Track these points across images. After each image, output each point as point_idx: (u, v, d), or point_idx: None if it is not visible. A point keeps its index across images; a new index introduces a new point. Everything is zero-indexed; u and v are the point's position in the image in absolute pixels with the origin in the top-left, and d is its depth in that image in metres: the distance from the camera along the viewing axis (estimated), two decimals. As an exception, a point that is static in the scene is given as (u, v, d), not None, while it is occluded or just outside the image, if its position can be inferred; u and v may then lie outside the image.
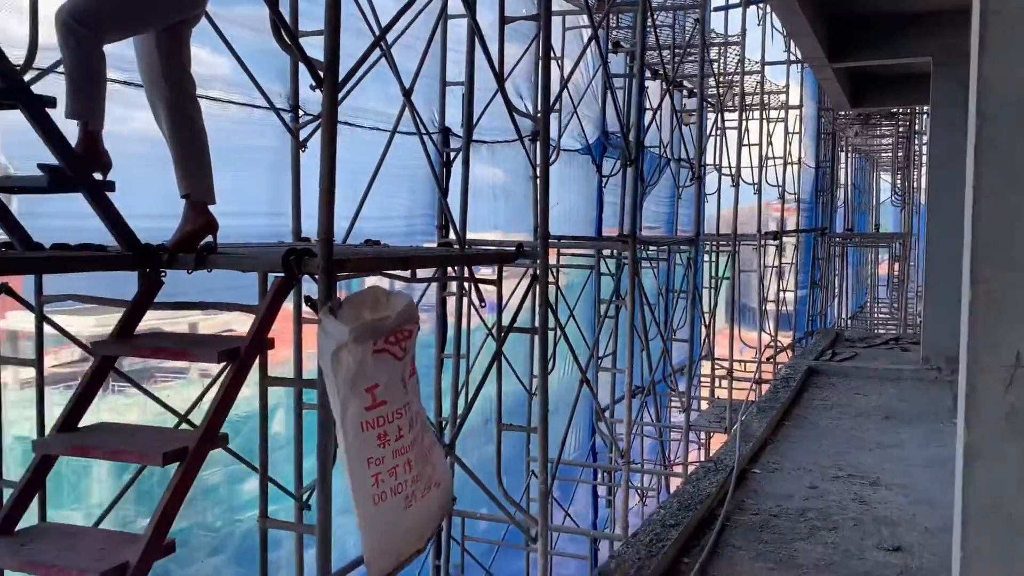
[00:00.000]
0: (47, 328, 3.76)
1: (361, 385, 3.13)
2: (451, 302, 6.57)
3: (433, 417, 6.41)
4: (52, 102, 3.11)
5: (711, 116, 13.26)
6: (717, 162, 13.06)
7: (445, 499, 3.70)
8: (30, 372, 4.71)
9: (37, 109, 2.99)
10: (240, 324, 6.63)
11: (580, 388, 6.66)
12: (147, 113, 4.38)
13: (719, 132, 13.35)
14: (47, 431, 3.44)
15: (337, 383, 3.07)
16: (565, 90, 7.34)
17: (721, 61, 12.34)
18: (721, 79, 12.54)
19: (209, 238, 3.64)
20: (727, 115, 13.65)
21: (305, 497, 5.04)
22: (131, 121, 4.66)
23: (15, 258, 3.30)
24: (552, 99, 5.58)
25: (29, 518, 3.13)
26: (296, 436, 5.23)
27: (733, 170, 11.91)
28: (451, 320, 6.58)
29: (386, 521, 3.23)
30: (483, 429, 7.58)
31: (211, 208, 3.68)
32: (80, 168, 3.12)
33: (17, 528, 2.99)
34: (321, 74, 3.27)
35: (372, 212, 5.75)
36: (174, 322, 4.80)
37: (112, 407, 5.37)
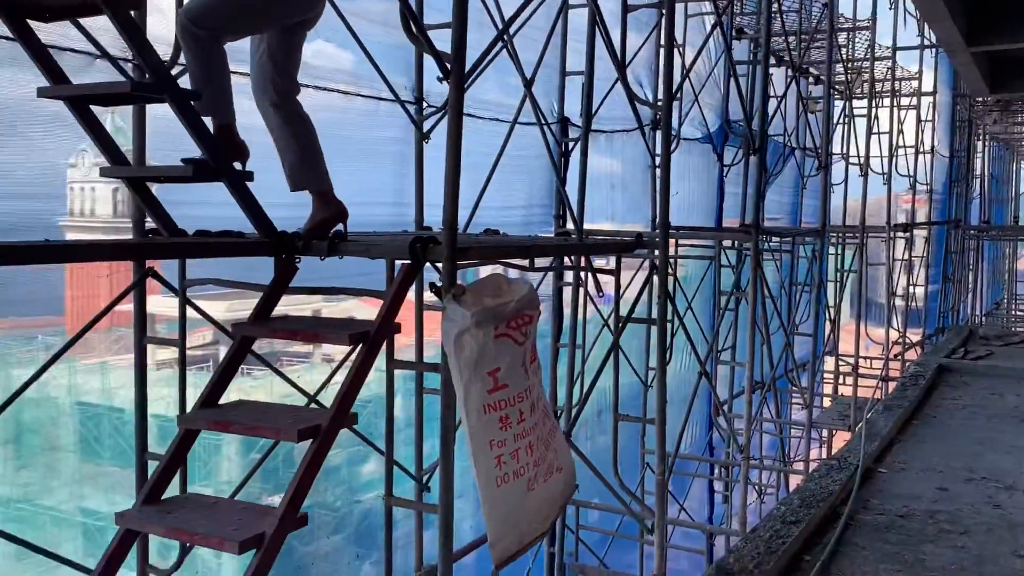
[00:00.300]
0: (168, 312, 3.98)
1: (483, 369, 3.19)
2: (567, 292, 6.60)
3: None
4: (197, 95, 3.30)
5: (838, 104, 12.80)
6: (844, 151, 12.61)
7: (567, 484, 3.73)
8: (163, 354, 5.02)
9: (183, 103, 3.18)
10: (359, 312, 6.84)
11: (699, 381, 6.58)
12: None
13: (847, 120, 12.89)
14: (188, 407, 3.66)
15: (460, 367, 3.15)
16: (686, 78, 7.24)
17: (850, 47, 11.90)
18: (850, 65, 12.10)
19: (339, 226, 3.78)
20: (855, 102, 13.16)
21: (425, 479, 5.17)
22: (259, 115, 4.87)
23: (163, 243, 3.53)
24: (674, 87, 5.52)
25: (171, 489, 3.34)
26: (417, 419, 5.36)
27: (861, 159, 11.48)
28: (566, 311, 6.61)
29: (508, 503, 3.29)
30: (595, 421, 7.59)
31: (343, 199, 3.82)
32: (221, 158, 3.30)
33: (162, 497, 3.19)
34: (448, 66, 3.34)
35: (491, 202, 5.84)
36: (299, 309, 5.01)
37: (240, 388, 5.65)
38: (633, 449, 7.93)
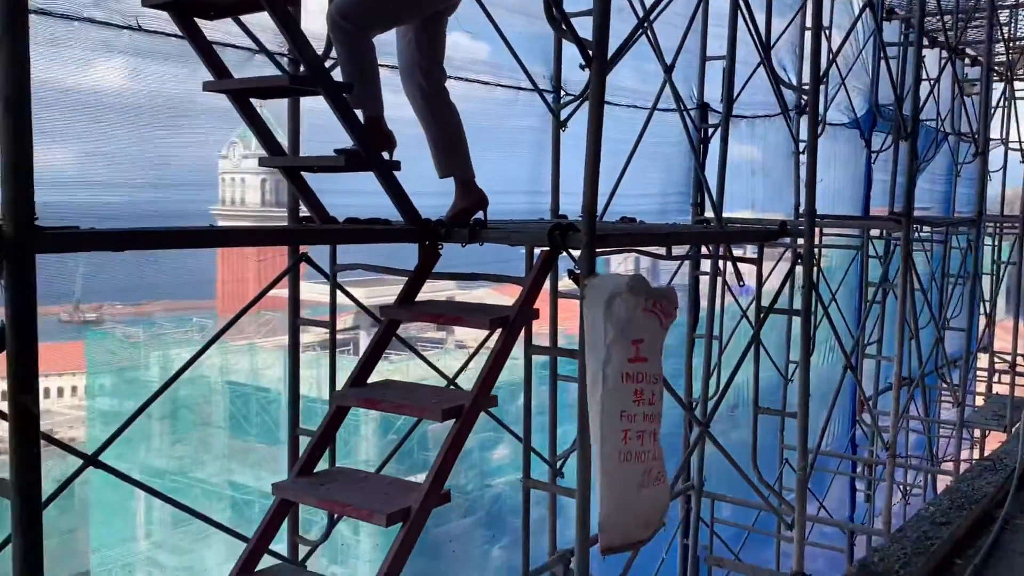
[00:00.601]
0: (312, 296, 4.15)
1: (629, 336, 3.16)
2: (703, 282, 6.50)
3: (684, 397, 6.38)
4: (349, 87, 3.42)
5: (997, 86, 12.02)
6: (1004, 136, 11.85)
7: (667, 501, 3.61)
8: (306, 338, 5.22)
9: (336, 95, 3.31)
10: (491, 299, 6.92)
11: (843, 376, 6.35)
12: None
13: (1007, 103, 12.10)
14: (338, 386, 3.82)
15: (606, 327, 3.11)
16: (834, 62, 6.98)
17: (1012, 24, 11.15)
18: (1011, 45, 11.34)
19: (480, 214, 3.85)
20: (1016, 84, 12.33)
21: (558, 464, 5.21)
22: (404, 107, 5.01)
23: (316, 230, 3.69)
24: (821, 70, 5.33)
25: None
26: (551, 405, 5.40)
27: (1022, 144, 10.76)
28: (702, 302, 6.51)
29: (625, 486, 3.22)
30: (727, 416, 7.44)
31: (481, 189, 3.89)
32: (371, 149, 3.42)
33: (315, 470, 3.36)
34: (590, 53, 3.35)
35: (627, 190, 5.80)
36: (434, 295, 5.14)
37: (378, 371, 5.85)
38: (770, 444, 7.73)
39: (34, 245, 2.00)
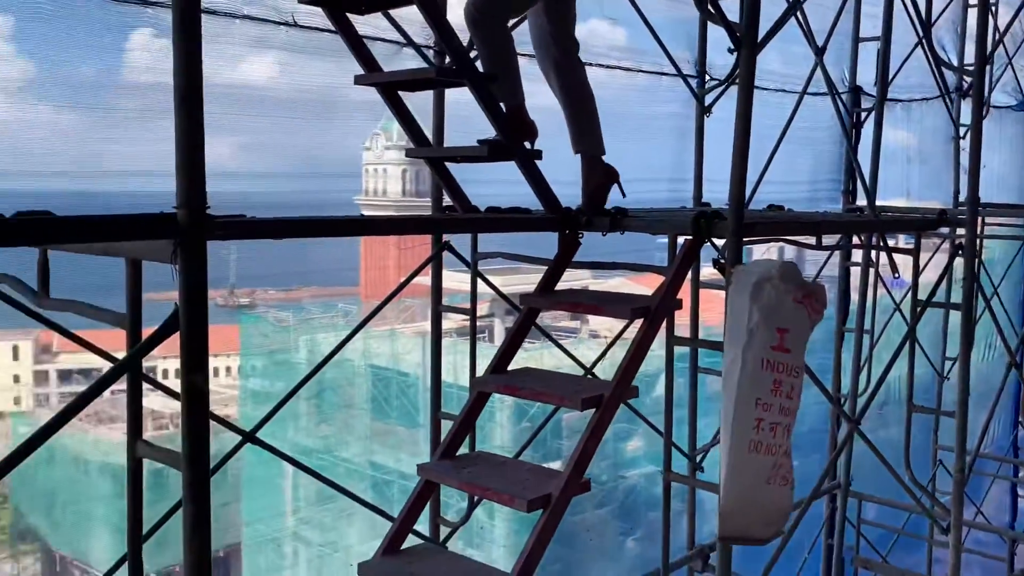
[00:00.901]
0: (449, 284, 4.21)
1: (774, 322, 3.06)
2: (854, 273, 6.24)
3: (832, 392, 6.15)
4: (493, 78, 3.46)
5: None
6: None
7: (789, 505, 3.46)
8: (443, 324, 5.30)
9: (481, 86, 3.35)
10: (627, 289, 6.84)
11: (1006, 374, 5.96)
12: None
13: None
14: (478, 372, 3.88)
15: (751, 312, 3.02)
16: (1001, 41, 6.53)
17: None
18: None
19: (615, 188, 3.80)
20: None
21: (699, 458, 5.12)
22: (544, 95, 5.02)
23: (459, 219, 3.76)
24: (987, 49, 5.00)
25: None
26: (691, 397, 5.32)
27: None
28: (853, 295, 6.25)
29: (751, 476, 3.10)
30: (875, 414, 7.12)
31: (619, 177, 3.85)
32: (514, 139, 3.44)
33: (457, 454, 3.42)
34: (739, 36, 3.26)
35: (773, 176, 5.63)
36: (568, 284, 5.14)
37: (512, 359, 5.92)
38: (922, 445, 7.36)
39: (205, 232, 2.13)
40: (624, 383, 3.12)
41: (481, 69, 3.56)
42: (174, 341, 2.23)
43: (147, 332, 2.31)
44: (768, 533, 3.33)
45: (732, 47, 3.36)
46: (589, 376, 4.40)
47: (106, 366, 2.69)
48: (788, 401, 3.20)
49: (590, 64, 5.32)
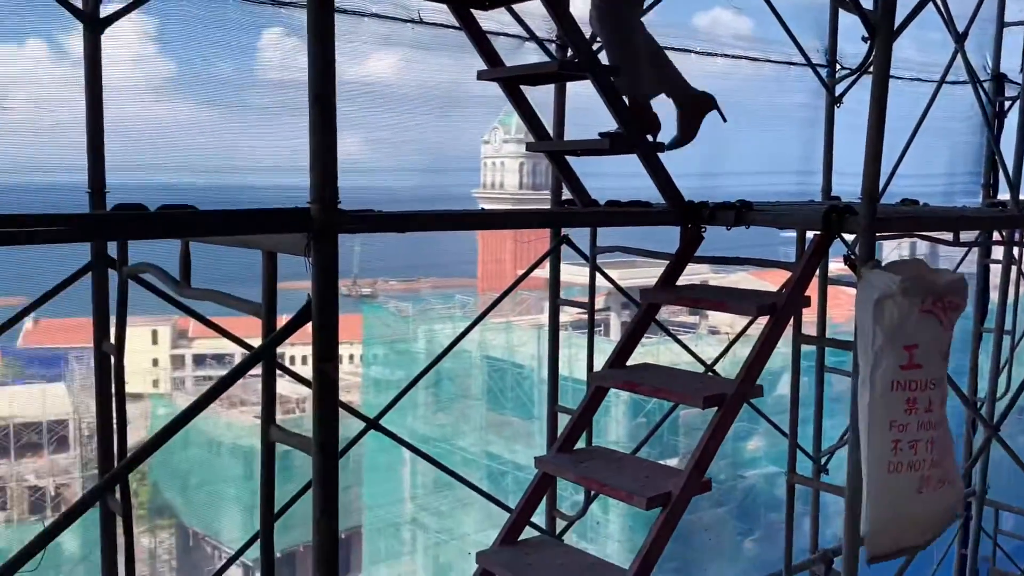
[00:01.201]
0: (565, 278, 4.20)
1: (900, 341, 2.96)
2: (994, 270, 5.91)
3: (968, 396, 5.86)
4: (616, 71, 3.43)
5: None
6: None
7: (956, 501, 3.32)
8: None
9: (604, 79, 3.32)
10: (747, 284, 6.65)
11: None
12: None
13: None
14: (595, 367, 3.87)
15: (874, 333, 2.94)
16: None
17: None
18: None
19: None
20: None
21: (824, 460, 4.96)
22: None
23: (578, 212, 3.75)
24: None
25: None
26: (817, 397, 5.15)
27: None
28: (992, 293, 5.93)
29: (894, 495, 3.02)
30: (1015, 419, 6.73)
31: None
32: (636, 131, 3.41)
33: (574, 448, 3.42)
34: (873, 24, 3.13)
35: (907, 169, 5.41)
36: (686, 279, 5.05)
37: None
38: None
39: (337, 226, 2.20)
40: (748, 381, 3.05)
41: (607, 61, 3.53)
42: (303, 329, 2.32)
43: (278, 321, 2.41)
44: (925, 539, 3.26)
45: (866, 35, 3.22)
46: (710, 373, 4.32)
47: (237, 352, 2.81)
48: (927, 415, 3.09)
49: (713, 55, 5.22)
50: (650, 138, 3.60)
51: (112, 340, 3.13)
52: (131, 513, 3.10)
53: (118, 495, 3.05)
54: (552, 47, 4.27)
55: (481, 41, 3.52)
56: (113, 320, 3.16)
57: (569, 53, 4.02)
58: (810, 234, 3.53)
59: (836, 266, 5.03)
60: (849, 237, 3.59)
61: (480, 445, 14.85)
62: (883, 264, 3.15)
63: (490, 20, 3.99)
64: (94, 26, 3.13)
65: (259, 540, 2.52)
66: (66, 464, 20.14)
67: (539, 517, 4.25)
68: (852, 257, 3.18)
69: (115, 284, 3.18)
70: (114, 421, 3.17)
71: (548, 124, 4.14)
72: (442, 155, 5.20)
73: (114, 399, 3.17)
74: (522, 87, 3.61)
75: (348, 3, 4.01)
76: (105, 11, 3.18)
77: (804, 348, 4.80)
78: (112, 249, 3.16)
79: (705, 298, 3.58)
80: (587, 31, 3.90)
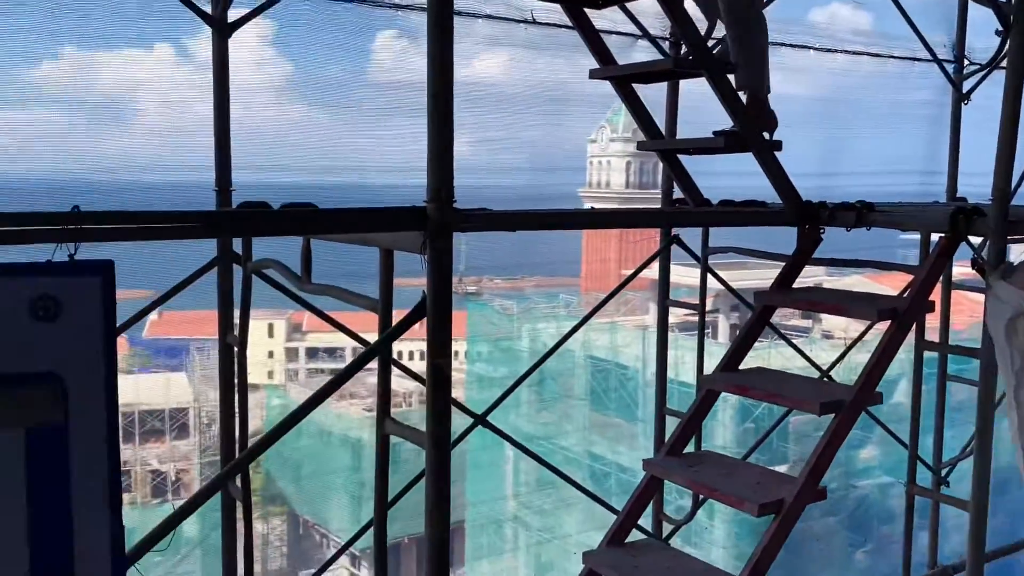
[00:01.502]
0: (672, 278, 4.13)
1: None
2: None
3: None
4: (732, 68, 3.36)
5: None
6: None
7: None
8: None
9: (720, 77, 3.26)
10: (862, 288, 6.41)
11: None
12: (798, 75, 4.43)
13: None
14: (705, 369, 3.80)
15: (1011, 354, 2.81)
16: None
17: None
18: None
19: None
20: None
21: (944, 472, 4.74)
22: (787, 84, 4.81)
23: (689, 212, 3.69)
24: None
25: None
26: (938, 406, 4.93)
27: None
28: None
29: None
30: None
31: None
32: (752, 129, 3.33)
33: (683, 451, 3.38)
34: (1010, 17, 2.97)
35: (1039, 169, 5.11)
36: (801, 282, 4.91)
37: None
38: None
39: (453, 224, 2.23)
40: (867, 388, 2.94)
41: (731, 56, 3.46)
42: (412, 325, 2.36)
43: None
44: None
45: (999, 28, 3.07)
46: (825, 379, 4.19)
47: (348, 345, 2.89)
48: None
49: (833, 51, 5.06)
50: (767, 136, 3.52)
51: (236, 332, 3.26)
52: (250, 500, 3.22)
53: (238, 482, 3.18)
54: (665, 45, 4.23)
55: (593, 40, 3.50)
56: (236, 313, 3.29)
57: (683, 50, 3.96)
58: (935, 237, 3.39)
59: (959, 270, 4.82)
60: (976, 240, 3.42)
61: (583, 445, 14.83)
62: (1019, 263, 3.00)
63: (602, 19, 3.98)
64: (222, 30, 3.27)
65: (372, 530, 2.58)
66: (186, 450, 21.15)
67: (645, 520, 4.21)
68: (981, 261, 3.04)
69: (239, 279, 3.31)
70: (236, 410, 3.31)
71: (659, 122, 4.10)
72: (548, 154, 5.21)
73: (236, 389, 3.30)
74: (634, 85, 3.59)
75: (462, 5, 4.06)
76: (232, 16, 3.31)
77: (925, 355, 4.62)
78: (236, 245, 3.30)
79: (823, 301, 3.47)
80: (702, 27, 3.85)
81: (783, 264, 3.52)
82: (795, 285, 3.54)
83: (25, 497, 1.78)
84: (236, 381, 3.28)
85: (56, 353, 1.80)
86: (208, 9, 3.30)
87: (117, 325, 1.91)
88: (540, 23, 4.09)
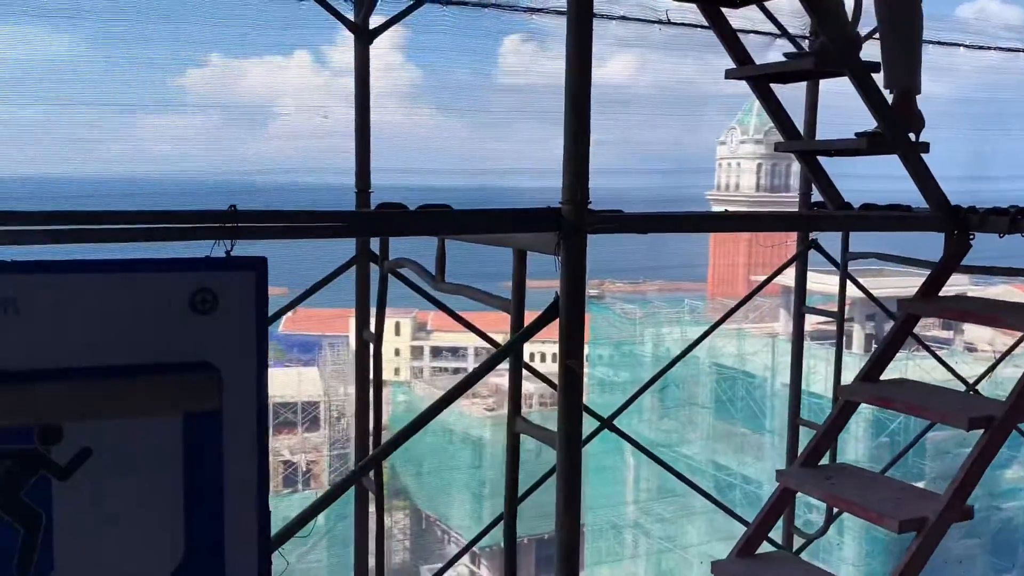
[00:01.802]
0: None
1: None
2: None
3: None
4: (876, 67, 3.24)
5: None
6: None
7: None
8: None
9: (864, 76, 3.14)
10: (1009, 298, 6.05)
11: None
12: (943, 74, 4.21)
13: None
14: (842, 380, 3.67)
15: None
16: None
17: None
18: None
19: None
20: None
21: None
22: (931, 83, 4.58)
23: (828, 216, 3.58)
24: None
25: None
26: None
27: None
28: None
29: None
30: None
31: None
32: (898, 130, 3.19)
33: (818, 464, 3.27)
34: None
35: None
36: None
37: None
38: None
39: (588, 226, 2.24)
40: (1021, 404, 2.78)
41: (882, 53, 3.34)
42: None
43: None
44: None
45: None
46: (972, 393, 3.97)
47: (471, 345, 2.93)
48: None
49: (984, 48, 4.81)
50: (913, 137, 3.37)
51: (371, 329, 3.36)
52: (383, 494, 3.31)
53: (371, 476, 3.27)
54: (804, 44, 4.11)
55: (730, 39, 3.44)
56: (372, 311, 3.39)
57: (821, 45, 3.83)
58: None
59: None
60: None
61: (706, 454, 14.52)
62: None
63: (739, 18, 3.90)
64: (364, 37, 3.38)
65: (502, 526, 2.61)
66: (316, 442, 21.96)
67: (775, 533, 4.10)
68: None
69: (374, 278, 3.41)
70: (371, 405, 3.41)
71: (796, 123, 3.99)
72: (675, 156, 5.17)
73: (372, 385, 3.40)
74: (772, 85, 3.50)
75: (596, 7, 4.06)
76: (373, 23, 3.42)
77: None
78: (373, 245, 3.40)
79: (973, 311, 3.29)
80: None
81: (927, 272, 3.36)
82: (942, 294, 3.37)
83: (182, 479, 1.89)
84: (371, 377, 3.37)
85: (212, 344, 1.89)
86: (350, 16, 3.41)
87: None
88: (674, 23, 4.04)
